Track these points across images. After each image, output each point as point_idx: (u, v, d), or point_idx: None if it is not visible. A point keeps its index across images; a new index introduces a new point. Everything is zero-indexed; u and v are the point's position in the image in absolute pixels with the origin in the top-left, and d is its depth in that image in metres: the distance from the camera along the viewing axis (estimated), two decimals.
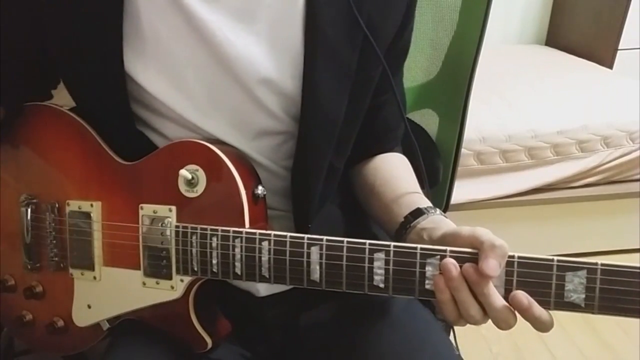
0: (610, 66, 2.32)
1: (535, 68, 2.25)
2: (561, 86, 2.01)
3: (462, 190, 1.72)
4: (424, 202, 0.65)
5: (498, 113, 1.81)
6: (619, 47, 2.30)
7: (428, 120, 0.99)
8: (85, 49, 0.60)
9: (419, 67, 0.97)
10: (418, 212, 0.62)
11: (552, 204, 1.82)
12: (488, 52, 1.16)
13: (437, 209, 0.63)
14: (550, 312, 0.50)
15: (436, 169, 0.95)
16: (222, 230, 0.57)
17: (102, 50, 0.59)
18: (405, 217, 0.63)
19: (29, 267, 0.69)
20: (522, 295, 0.48)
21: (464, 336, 0.84)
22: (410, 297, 0.71)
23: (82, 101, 0.67)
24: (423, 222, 0.60)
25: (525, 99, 1.91)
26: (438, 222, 0.60)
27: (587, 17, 2.47)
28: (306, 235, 0.54)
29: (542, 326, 0.49)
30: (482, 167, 1.76)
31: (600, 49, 2.38)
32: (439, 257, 0.51)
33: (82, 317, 0.67)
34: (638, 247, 1.82)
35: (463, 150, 1.15)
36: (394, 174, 0.73)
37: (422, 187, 0.70)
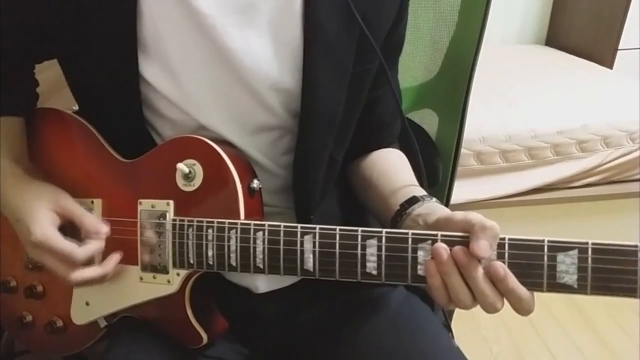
0: (610, 66, 2.32)
1: (535, 68, 2.26)
2: (561, 86, 2.01)
3: (462, 190, 1.72)
4: (420, 192, 0.65)
5: (498, 113, 1.81)
6: (619, 47, 2.30)
7: (428, 120, 0.99)
8: (100, 55, 0.61)
9: (418, 66, 0.97)
10: (413, 200, 0.62)
11: (552, 204, 1.82)
12: (488, 52, 1.17)
13: (433, 197, 0.63)
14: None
15: (436, 169, 0.95)
16: (218, 222, 0.58)
17: (117, 55, 0.60)
18: (401, 205, 0.63)
19: (30, 266, 0.70)
20: (498, 265, 0.48)
21: (464, 336, 0.84)
22: (409, 293, 0.72)
23: (92, 103, 0.67)
24: (418, 209, 0.61)
25: (525, 99, 1.91)
26: (433, 208, 0.60)
27: (587, 17, 2.47)
28: (299, 225, 0.55)
29: (520, 304, 0.49)
30: (482, 167, 1.76)
31: (600, 49, 2.38)
32: (430, 241, 0.51)
33: (80, 314, 0.68)
34: None
35: (463, 150, 1.15)
36: (391, 167, 0.73)
37: (422, 185, 0.70)
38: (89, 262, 0.61)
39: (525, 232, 1.62)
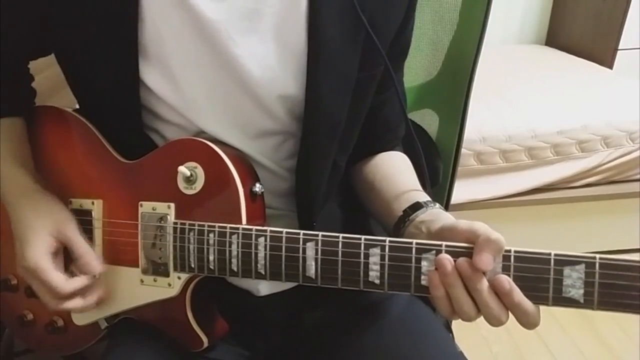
0: (610, 66, 2.32)
1: (535, 68, 2.25)
2: (561, 86, 2.01)
3: (462, 190, 1.72)
4: (423, 197, 0.64)
5: (498, 113, 1.81)
6: (619, 47, 2.30)
7: (428, 120, 0.99)
8: (99, 58, 0.60)
9: (419, 67, 0.96)
10: (417, 206, 0.62)
11: (552, 204, 1.82)
12: (488, 52, 1.16)
13: (437, 203, 0.62)
14: (550, 308, 0.49)
15: (436, 169, 0.95)
16: (219, 227, 0.57)
17: (118, 60, 0.60)
18: (404, 211, 0.62)
19: None
20: (504, 279, 0.48)
21: (464, 336, 0.84)
22: (411, 297, 0.71)
23: (92, 105, 0.67)
24: (422, 215, 0.60)
25: (525, 99, 1.91)
26: (437, 215, 0.59)
27: (587, 17, 2.47)
28: (302, 231, 0.55)
29: (526, 318, 0.48)
30: (482, 167, 1.76)
31: (600, 49, 2.38)
32: (434, 252, 0.50)
33: (81, 315, 0.67)
34: (638, 247, 1.82)
35: (463, 150, 1.15)
36: (394, 171, 0.73)
37: (424, 186, 0.70)
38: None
39: (526, 232, 1.62)
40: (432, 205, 0.62)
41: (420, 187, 0.69)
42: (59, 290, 0.59)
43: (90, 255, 0.62)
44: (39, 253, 0.59)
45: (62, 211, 0.63)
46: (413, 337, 0.66)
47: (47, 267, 0.59)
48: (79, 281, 0.61)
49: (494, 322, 0.49)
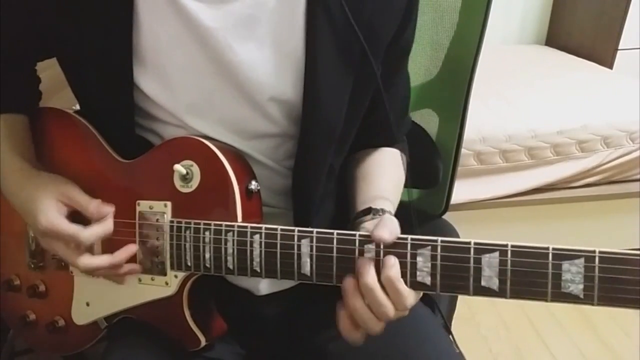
0: (610, 66, 2.32)
1: (535, 68, 2.26)
2: (561, 86, 2.01)
3: (462, 190, 1.72)
4: (381, 204, 0.63)
5: (498, 113, 1.81)
6: (619, 47, 2.31)
7: (428, 120, 0.99)
8: (95, 62, 0.61)
9: (419, 67, 0.96)
10: (367, 211, 0.61)
11: (552, 204, 1.81)
12: (488, 52, 1.16)
13: (387, 213, 0.61)
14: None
15: (436, 169, 0.95)
16: (215, 225, 0.58)
17: (113, 64, 0.60)
18: (357, 213, 0.63)
19: (32, 265, 0.70)
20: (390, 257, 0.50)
21: (464, 336, 0.83)
22: None
23: (89, 106, 0.68)
24: (366, 223, 0.60)
25: (525, 99, 1.91)
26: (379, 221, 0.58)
27: (587, 17, 2.47)
28: (297, 228, 0.55)
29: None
30: (482, 167, 1.76)
31: (600, 49, 2.38)
32: (430, 247, 0.50)
33: (81, 315, 0.68)
34: (638, 247, 1.82)
35: (463, 150, 1.15)
36: (367, 175, 0.72)
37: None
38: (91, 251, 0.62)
39: (526, 232, 1.62)
40: (380, 213, 0.60)
41: (386, 194, 0.67)
42: (79, 236, 0.59)
43: (95, 202, 0.62)
44: (50, 214, 0.60)
45: (60, 178, 0.65)
46: (410, 336, 0.66)
47: (62, 221, 0.60)
48: (98, 228, 0.61)
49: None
